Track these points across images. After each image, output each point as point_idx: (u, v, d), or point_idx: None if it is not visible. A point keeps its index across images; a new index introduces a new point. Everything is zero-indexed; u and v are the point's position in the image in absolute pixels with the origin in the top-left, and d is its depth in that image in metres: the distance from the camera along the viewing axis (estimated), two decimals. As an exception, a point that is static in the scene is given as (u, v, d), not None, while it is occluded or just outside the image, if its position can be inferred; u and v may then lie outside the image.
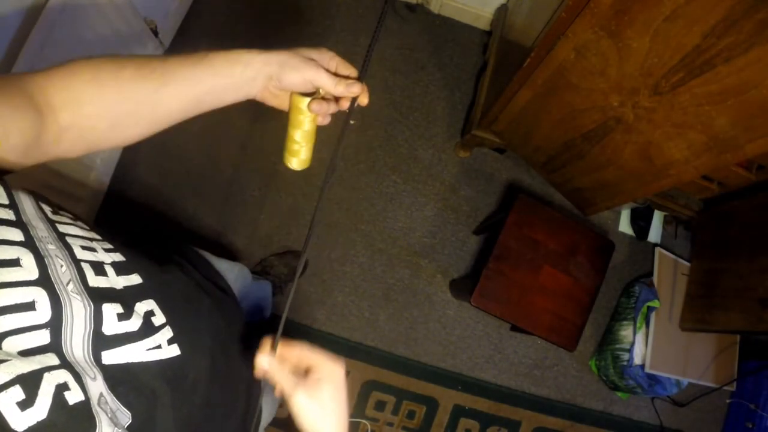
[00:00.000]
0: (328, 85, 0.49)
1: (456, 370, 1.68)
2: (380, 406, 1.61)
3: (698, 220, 1.73)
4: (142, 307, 0.42)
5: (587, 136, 1.27)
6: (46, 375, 0.31)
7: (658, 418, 1.81)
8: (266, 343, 0.47)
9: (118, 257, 0.44)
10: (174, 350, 0.44)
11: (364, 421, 1.59)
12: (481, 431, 1.67)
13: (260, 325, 1.38)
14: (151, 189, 1.56)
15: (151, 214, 1.55)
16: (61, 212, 0.43)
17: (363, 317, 1.64)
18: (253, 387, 0.62)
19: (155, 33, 1.43)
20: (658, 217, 1.90)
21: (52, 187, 1.21)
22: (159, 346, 0.42)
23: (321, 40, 1.74)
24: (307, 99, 0.51)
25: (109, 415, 0.34)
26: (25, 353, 0.32)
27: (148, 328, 0.42)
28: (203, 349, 0.50)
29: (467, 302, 1.39)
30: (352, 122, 0.51)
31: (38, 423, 0.29)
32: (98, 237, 0.44)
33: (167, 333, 0.44)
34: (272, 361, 0.47)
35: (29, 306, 0.33)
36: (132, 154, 1.54)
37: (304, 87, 0.50)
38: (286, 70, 0.48)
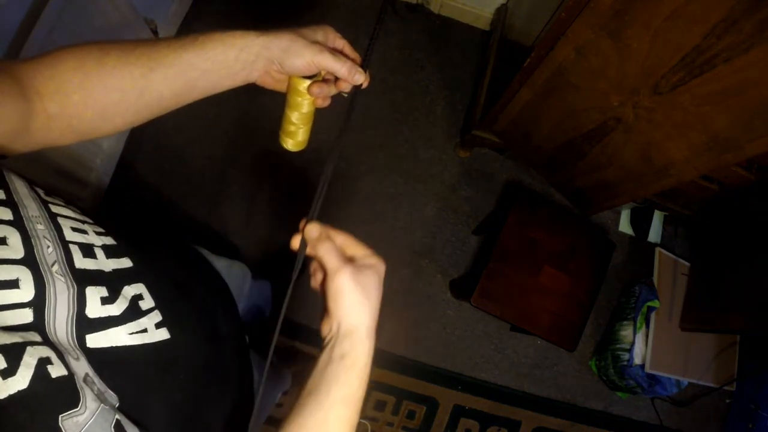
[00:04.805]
0: (334, 68, 0.47)
1: (456, 370, 1.68)
2: (380, 406, 1.61)
3: (698, 220, 1.73)
4: (130, 290, 0.42)
5: (587, 136, 1.27)
6: (29, 348, 0.31)
7: (658, 418, 1.80)
8: (310, 224, 0.46)
9: (109, 241, 0.43)
10: (162, 334, 0.43)
11: (364, 421, 1.59)
12: (481, 431, 1.67)
13: (260, 324, 1.38)
14: (151, 189, 1.56)
15: (151, 214, 1.55)
16: (54, 195, 0.43)
17: (363, 317, 1.64)
18: (246, 378, 0.62)
19: (155, 33, 1.43)
20: (658, 217, 1.90)
21: (51, 186, 1.21)
22: (144, 330, 0.41)
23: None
24: (307, 82, 0.49)
25: (96, 392, 0.34)
26: (8, 329, 0.32)
27: (132, 312, 0.41)
28: (194, 335, 0.49)
29: (467, 302, 1.39)
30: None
31: (19, 392, 0.29)
32: (90, 220, 0.44)
33: (155, 317, 0.43)
34: (322, 231, 0.45)
35: (13, 284, 0.33)
36: (132, 154, 1.54)
37: (308, 71, 0.47)
38: (290, 55, 0.45)
